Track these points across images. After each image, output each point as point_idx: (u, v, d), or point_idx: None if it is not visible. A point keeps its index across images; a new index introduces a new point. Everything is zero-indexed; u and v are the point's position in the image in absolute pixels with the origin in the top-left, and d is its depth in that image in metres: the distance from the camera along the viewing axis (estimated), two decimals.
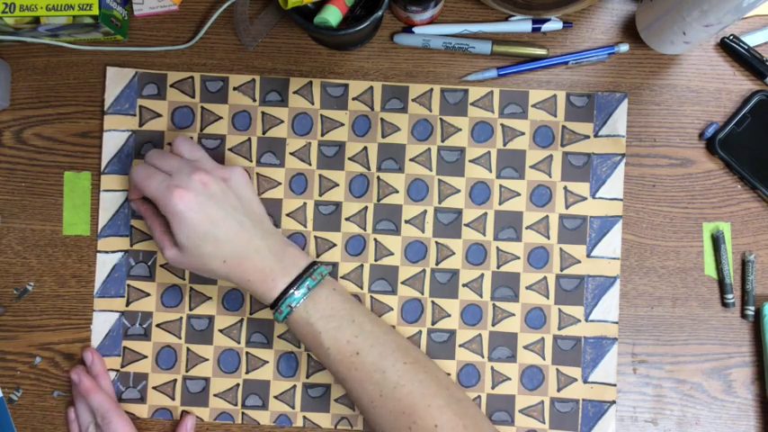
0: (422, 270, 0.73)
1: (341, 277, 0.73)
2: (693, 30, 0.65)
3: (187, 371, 0.73)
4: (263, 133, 0.74)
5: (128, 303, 0.74)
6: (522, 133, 0.73)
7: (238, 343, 0.73)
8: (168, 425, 0.73)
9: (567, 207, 0.73)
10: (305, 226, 0.73)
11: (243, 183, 0.66)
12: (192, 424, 0.72)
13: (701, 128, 0.73)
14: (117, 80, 0.74)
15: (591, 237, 0.73)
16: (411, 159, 0.73)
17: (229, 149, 0.74)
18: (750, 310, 0.72)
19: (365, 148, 0.74)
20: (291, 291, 0.63)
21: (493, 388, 0.72)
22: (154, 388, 0.73)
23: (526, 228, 0.73)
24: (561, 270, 0.73)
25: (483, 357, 0.73)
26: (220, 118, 0.74)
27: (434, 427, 0.61)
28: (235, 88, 0.74)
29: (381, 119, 0.74)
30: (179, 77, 0.74)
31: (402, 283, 0.73)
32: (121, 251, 0.74)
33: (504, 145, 0.73)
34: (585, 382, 0.72)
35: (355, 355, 0.63)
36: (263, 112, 0.74)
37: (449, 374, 0.72)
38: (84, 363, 0.73)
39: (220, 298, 0.73)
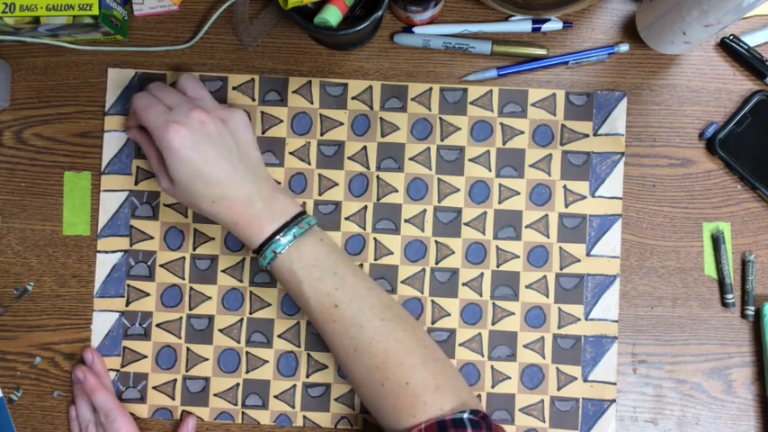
0: (421, 269, 0.73)
1: None
2: (693, 30, 0.65)
3: (187, 371, 0.73)
4: (263, 133, 0.74)
5: (128, 303, 0.74)
6: (522, 132, 0.73)
7: (238, 342, 0.73)
8: (168, 425, 0.73)
9: (566, 206, 0.73)
10: None
11: (242, 125, 0.66)
12: (193, 425, 0.72)
13: (701, 128, 0.73)
14: (118, 81, 0.74)
15: (590, 235, 0.73)
16: (410, 158, 0.73)
17: None
18: (750, 310, 0.72)
19: (364, 148, 0.74)
20: (277, 237, 0.62)
21: (493, 387, 0.72)
22: (154, 388, 0.73)
23: (526, 227, 0.73)
24: (561, 269, 0.73)
25: (483, 356, 0.72)
26: None
27: (406, 384, 0.61)
28: (234, 88, 0.74)
29: (381, 118, 0.74)
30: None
31: (402, 282, 0.73)
32: (121, 251, 0.74)
33: (504, 144, 0.73)
34: (585, 380, 0.72)
35: (334, 308, 0.63)
36: (262, 112, 0.74)
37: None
38: (85, 362, 0.73)
39: (220, 298, 0.73)
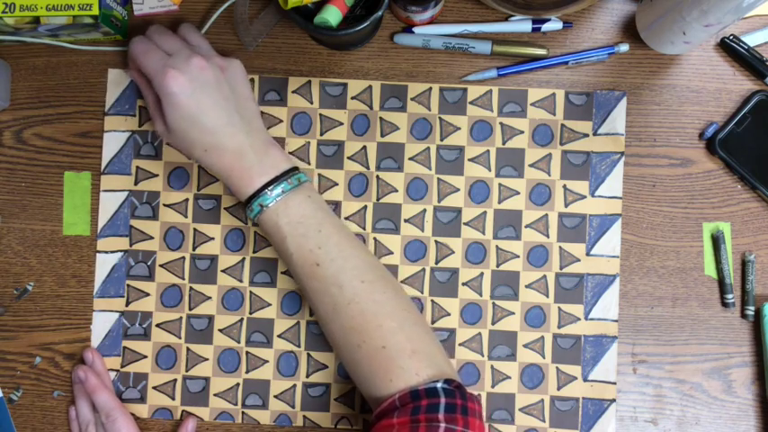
0: (421, 269, 0.73)
1: None
2: (693, 30, 0.65)
3: (187, 370, 0.73)
4: None
5: (127, 303, 0.74)
6: (522, 132, 0.73)
7: (238, 342, 0.73)
8: (168, 425, 0.73)
9: (566, 205, 0.73)
10: None
11: (240, 76, 0.66)
12: (194, 426, 0.72)
13: (701, 128, 0.73)
14: (118, 82, 0.74)
15: (590, 235, 0.73)
16: (410, 158, 0.73)
17: None
18: (750, 310, 0.72)
19: (364, 148, 0.74)
20: (266, 190, 0.63)
21: (493, 387, 0.72)
22: (154, 388, 0.73)
23: (525, 226, 0.73)
24: (561, 268, 0.73)
25: (483, 356, 0.72)
26: None
27: (382, 348, 0.61)
28: None
29: (380, 118, 0.74)
30: None
31: (402, 282, 0.73)
32: (121, 251, 0.74)
33: (504, 143, 0.73)
34: (585, 380, 0.72)
35: (315, 266, 0.63)
36: (262, 112, 0.74)
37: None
38: (85, 362, 0.73)
39: (220, 298, 0.73)
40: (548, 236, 0.73)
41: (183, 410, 0.73)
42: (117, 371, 0.74)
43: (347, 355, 0.64)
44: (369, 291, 0.63)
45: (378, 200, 0.73)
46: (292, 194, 0.63)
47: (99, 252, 0.74)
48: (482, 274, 0.73)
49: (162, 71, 0.61)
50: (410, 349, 0.62)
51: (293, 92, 0.74)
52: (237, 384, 0.73)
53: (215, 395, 0.73)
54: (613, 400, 0.72)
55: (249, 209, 0.64)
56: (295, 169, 0.65)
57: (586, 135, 0.73)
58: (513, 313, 0.73)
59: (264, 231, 0.65)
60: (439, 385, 0.60)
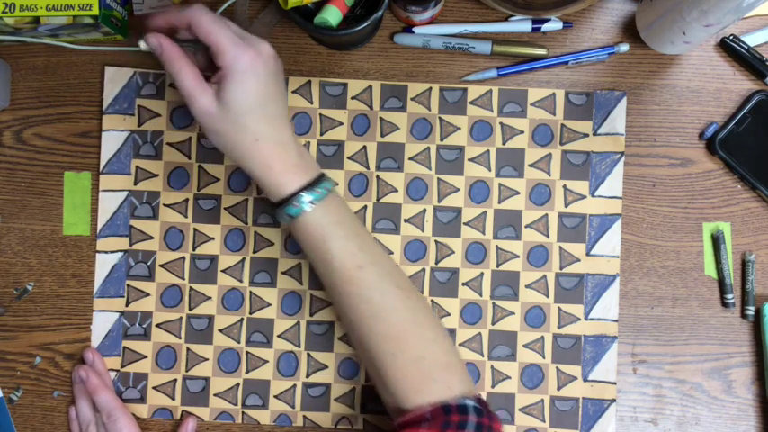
0: (421, 269, 0.73)
1: None
2: (693, 30, 0.65)
3: (187, 370, 0.73)
4: None
5: (127, 303, 0.74)
6: (522, 132, 0.73)
7: (238, 342, 0.73)
8: (168, 425, 0.73)
9: (566, 205, 0.73)
10: None
11: (282, 73, 0.63)
12: (194, 426, 0.72)
13: (701, 128, 0.73)
14: (116, 80, 0.74)
15: (590, 235, 0.73)
16: (410, 158, 0.73)
17: None
18: (750, 310, 0.72)
19: (364, 148, 0.74)
20: (310, 190, 0.60)
21: (493, 386, 0.72)
22: (154, 388, 0.73)
23: (525, 226, 0.73)
24: (561, 268, 0.73)
25: (483, 356, 0.72)
26: None
27: (421, 357, 0.60)
28: None
29: (380, 118, 0.74)
30: None
31: None
32: (121, 251, 0.74)
33: (504, 143, 0.73)
34: (585, 380, 0.72)
35: (356, 269, 0.61)
36: None
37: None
38: (85, 362, 0.73)
39: (220, 298, 0.73)
40: (548, 236, 0.73)
41: (182, 410, 0.73)
42: (117, 371, 0.74)
43: (378, 362, 0.61)
44: (406, 298, 0.62)
45: (378, 200, 0.73)
46: (332, 195, 0.62)
47: (99, 252, 0.74)
48: (482, 274, 0.73)
49: (240, 47, 0.58)
50: (445, 362, 0.61)
51: (293, 92, 0.74)
52: (237, 384, 0.73)
53: (215, 395, 0.73)
54: (613, 400, 0.72)
55: (292, 205, 0.60)
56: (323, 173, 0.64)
57: (586, 135, 0.73)
58: (513, 313, 0.73)
59: (301, 232, 0.61)
60: (470, 403, 0.60)
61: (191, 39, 0.62)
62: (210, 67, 0.61)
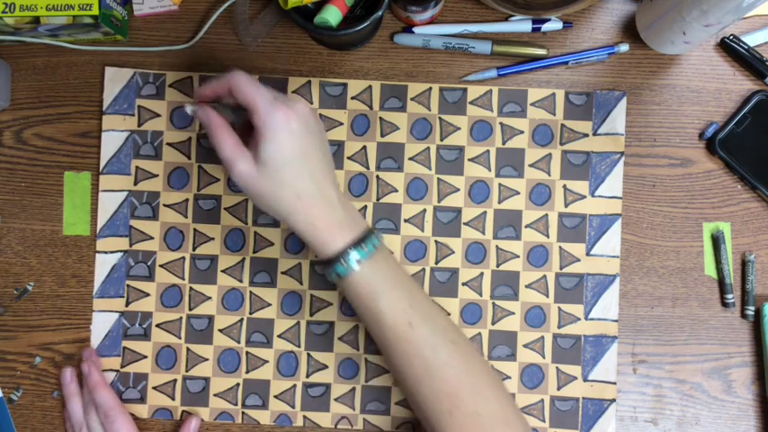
0: (421, 269, 0.73)
1: None
2: (693, 30, 0.65)
3: (187, 371, 0.73)
4: None
5: (127, 303, 0.74)
6: (522, 132, 0.73)
7: (238, 342, 0.73)
8: (168, 425, 0.73)
9: (566, 205, 0.73)
10: None
11: (324, 129, 0.63)
12: (197, 425, 0.72)
13: (701, 128, 0.73)
14: (116, 80, 0.74)
15: (590, 235, 0.73)
16: (410, 158, 0.73)
17: None
18: (750, 310, 0.72)
19: (364, 148, 0.74)
20: (357, 247, 0.59)
21: None
22: (154, 388, 0.73)
23: (525, 226, 0.73)
24: (561, 268, 0.73)
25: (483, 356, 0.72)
26: None
27: (477, 414, 0.59)
28: None
29: (380, 118, 0.74)
30: (178, 77, 0.74)
31: None
32: (121, 251, 0.74)
33: (504, 143, 0.73)
34: (585, 380, 0.72)
35: (408, 326, 0.60)
36: None
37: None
38: (80, 363, 0.73)
39: (220, 298, 0.73)
40: (548, 236, 0.73)
41: (183, 411, 0.73)
42: (117, 371, 0.74)
43: (434, 419, 0.60)
44: (461, 353, 0.61)
45: (378, 200, 0.73)
46: (380, 252, 0.61)
47: (99, 252, 0.74)
48: (482, 274, 0.73)
49: (274, 105, 0.58)
50: (503, 418, 0.60)
51: (293, 92, 0.74)
52: (237, 384, 0.73)
53: (215, 395, 0.73)
54: (613, 400, 0.72)
55: (341, 264, 0.59)
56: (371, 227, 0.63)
57: (586, 135, 0.73)
58: (513, 313, 0.73)
59: (351, 289, 0.61)
60: None
61: (231, 105, 0.63)
62: (249, 133, 0.61)
